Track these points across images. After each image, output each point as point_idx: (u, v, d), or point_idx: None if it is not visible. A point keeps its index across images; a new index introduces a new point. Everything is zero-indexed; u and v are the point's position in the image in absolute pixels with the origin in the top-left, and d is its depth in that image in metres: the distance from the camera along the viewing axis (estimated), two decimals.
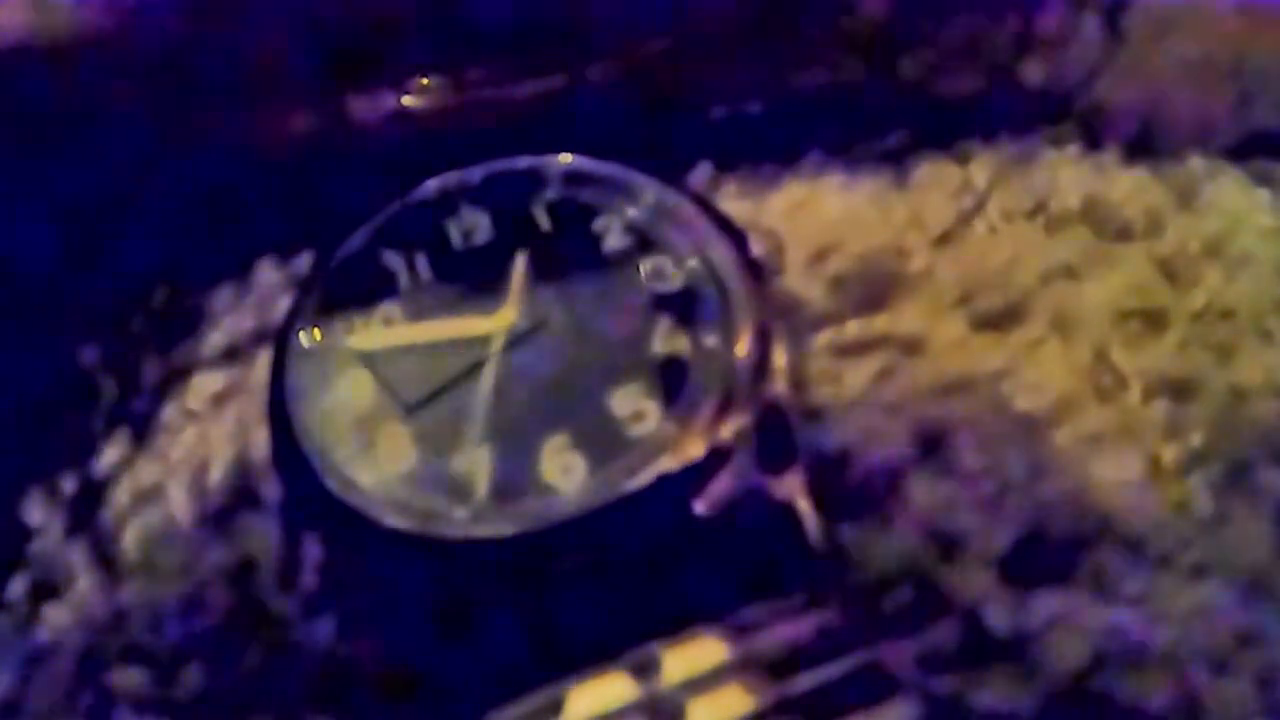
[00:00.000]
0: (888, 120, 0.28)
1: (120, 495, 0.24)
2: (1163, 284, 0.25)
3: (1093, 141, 0.28)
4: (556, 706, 0.19)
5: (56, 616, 0.23)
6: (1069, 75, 0.28)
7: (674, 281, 0.23)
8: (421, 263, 0.24)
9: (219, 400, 0.25)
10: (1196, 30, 0.27)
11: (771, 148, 0.27)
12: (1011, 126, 0.28)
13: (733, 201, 0.27)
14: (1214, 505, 0.22)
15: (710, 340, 0.22)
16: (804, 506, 0.21)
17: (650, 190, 0.24)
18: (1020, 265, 0.26)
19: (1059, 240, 0.26)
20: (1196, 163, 0.28)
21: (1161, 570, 0.22)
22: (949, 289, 0.25)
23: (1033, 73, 0.27)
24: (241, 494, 0.24)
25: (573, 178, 0.24)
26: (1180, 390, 0.24)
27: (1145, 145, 0.28)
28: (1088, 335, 0.25)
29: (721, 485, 0.20)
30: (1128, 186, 0.27)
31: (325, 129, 0.27)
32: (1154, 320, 0.25)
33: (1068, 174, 0.27)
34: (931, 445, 0.23)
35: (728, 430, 0.20)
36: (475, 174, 0.25)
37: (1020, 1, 0.27)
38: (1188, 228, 0.26)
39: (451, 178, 0.25)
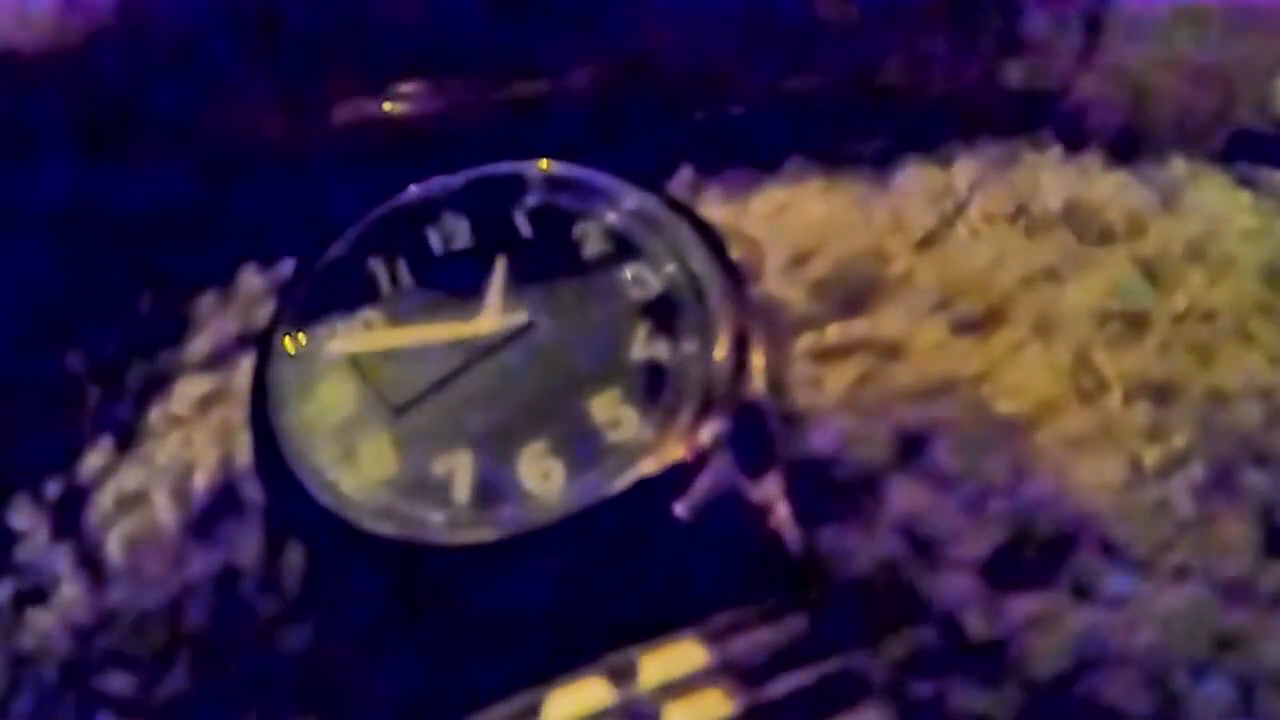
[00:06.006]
0: (869, 124, 0.28)
1: (104, 500, 0.24)
2: (1145, 286, 0.25)
3: (1074, 144, 0.28)
4: (533, 711, 0.19)
5: (41, 622, 0.23)
6: (1050, 78, 0.28)
7: (654, 287, 0.23)
8: (403, 268, 0.24)
9: (203, 405, 0.25)
10: (1179, 32, 0.27)
11: (752, 152, 0.27)
12: (992, 129, 0.28)
13: (713, 206, 0.27)
14: (1196, 508, 0.22)
15: (690, 345, 0.22)
16: (783, 510, 0.21)
17: (630, 196, 0.24)
18: (1001, 268, 0.26)
19: (1040, 243, 0.26)
20: (1179, 165, 0.27)
21: (1143, 573, 0.22)
22: (930, 292, 0.25)
23: (1014, 75, 0.27)
24: (225, 499, 0.24)
25: (553, 183, 0.24)
26: (1162, 393, 0.24)
27: (1127, 148, 0.28)
28: (1069, 338, 0.25)
29: (700, 489, 0.20)
30: (1110, 189, 0.27)
31: (307, 135, 0.27)
32: (1136, 323, 0.25)
33: (1049, 177, 0.27)
34: (911, 449, 0.23)
35: (707, 434, 0.20)
36: (456, 180, 0.25)
37: (1000, 3, 0.27)
38: (1170, 230, 0.26)
39: (432, 184, 0.25)
